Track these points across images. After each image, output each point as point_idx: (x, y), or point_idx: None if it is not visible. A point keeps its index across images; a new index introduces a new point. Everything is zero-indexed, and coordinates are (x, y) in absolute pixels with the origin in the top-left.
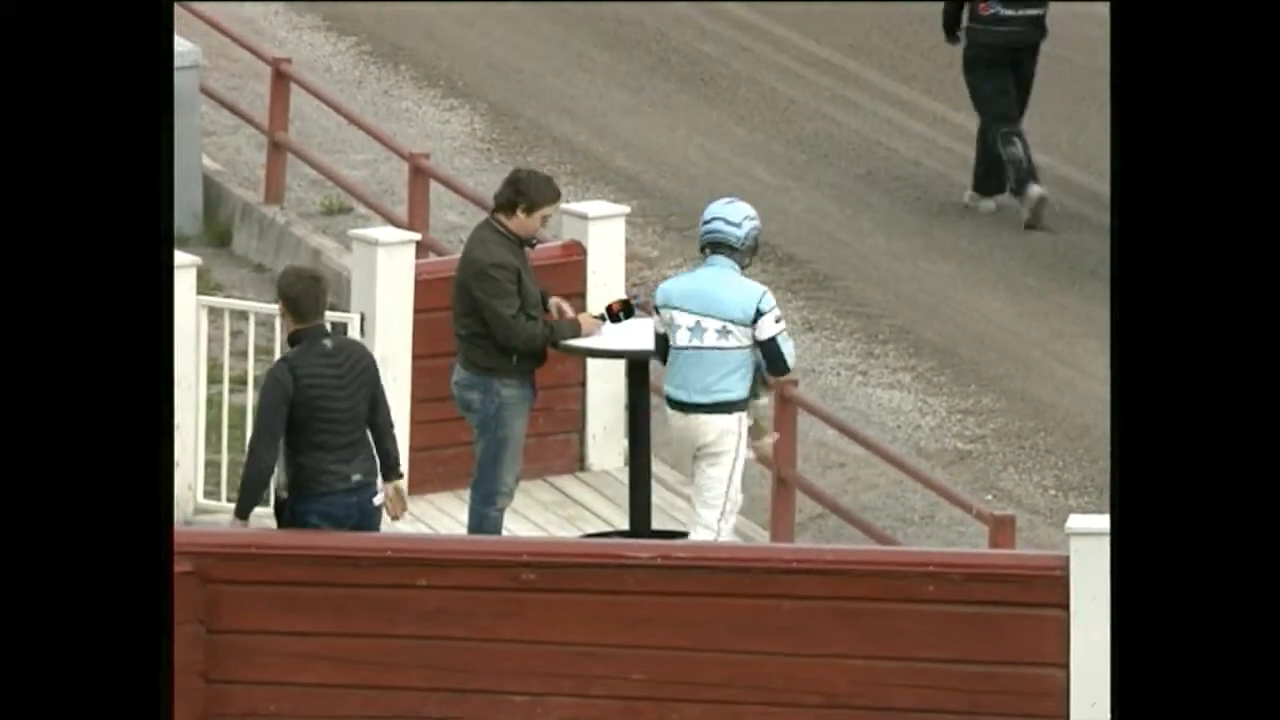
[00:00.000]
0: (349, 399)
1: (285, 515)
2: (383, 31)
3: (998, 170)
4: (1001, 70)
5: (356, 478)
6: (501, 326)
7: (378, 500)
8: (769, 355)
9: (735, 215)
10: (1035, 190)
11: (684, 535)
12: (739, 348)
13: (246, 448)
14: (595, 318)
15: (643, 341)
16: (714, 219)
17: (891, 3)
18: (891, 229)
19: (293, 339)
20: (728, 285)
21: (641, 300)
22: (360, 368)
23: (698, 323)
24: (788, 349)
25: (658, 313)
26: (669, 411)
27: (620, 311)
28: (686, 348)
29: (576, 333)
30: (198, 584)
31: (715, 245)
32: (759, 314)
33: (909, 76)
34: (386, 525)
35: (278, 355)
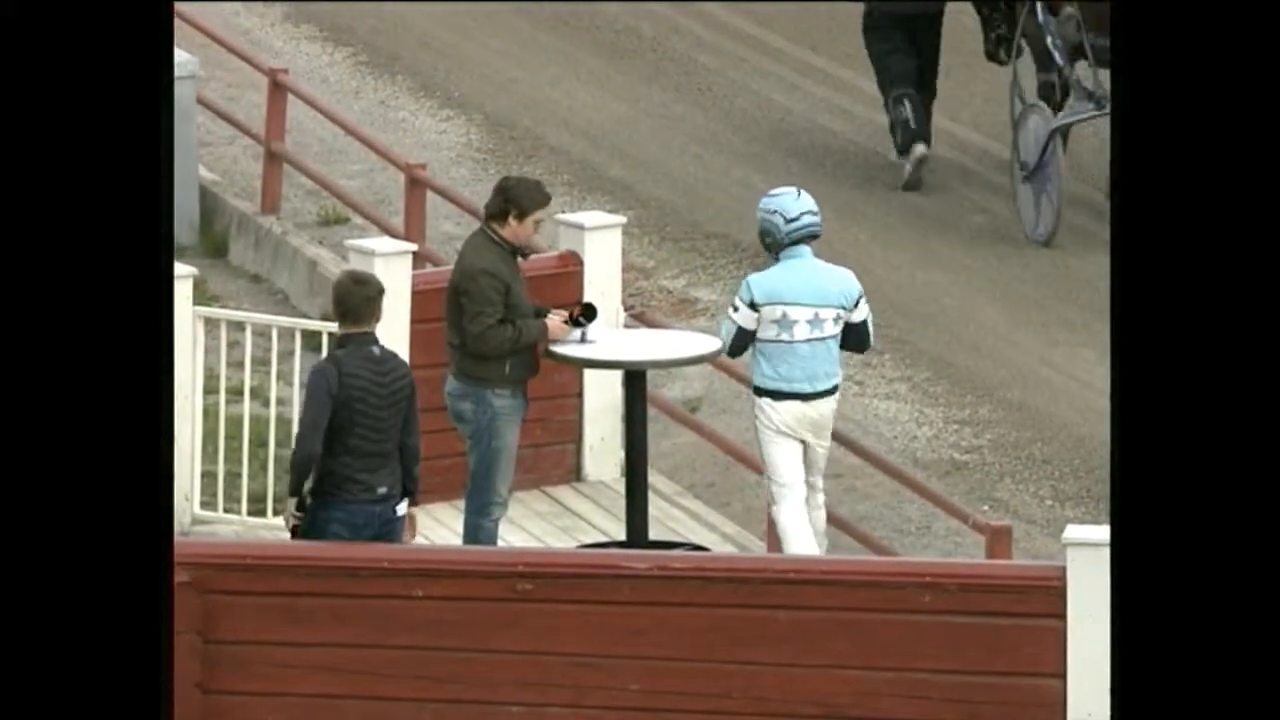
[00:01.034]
0: (387, 408)
1: (306, 521)
2: (379, 42)
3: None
4: (895, 34)
5: (382, 489)
6: (476, 331)
7: (401, 510)
8: (860, 335)
9: (814, 205)
10: (919, 149)
11: (680, 545)
12: (840, 332)
13: (294, 438)
14: (564, 322)
15: (638, 352)
16: (803, 214)
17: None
18: (888, 239)
19: (340, 343)
20: (829, 275)
21: (638, 309)
22: (402, 383)
23: (816, 315)
24: (871, 328)
25: (754, 309)
26: (780, 404)
27: (580, 316)
28: (809, 340)
29: (543, 334)
30: (195, 595)
31: (808, 239)
32: (860, 297)
33: None
34: None
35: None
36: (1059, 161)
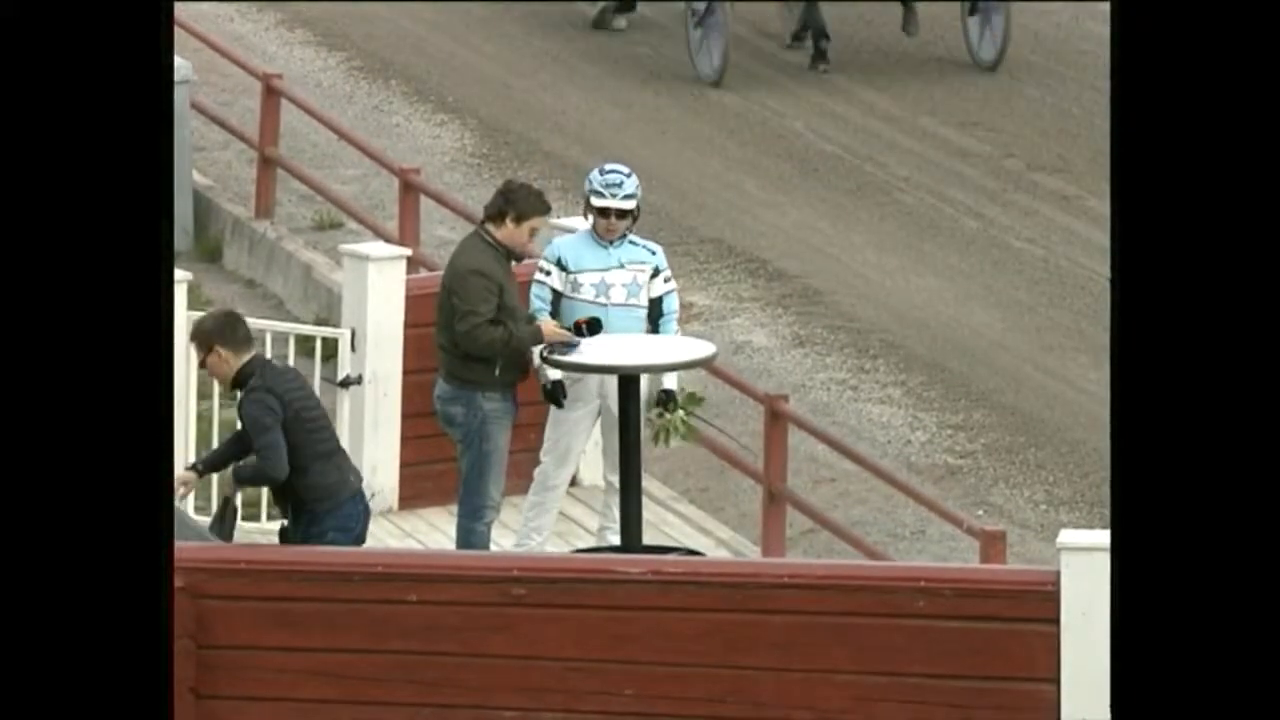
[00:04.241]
0: (317, 406)
1: (297, 540)
2: (373, 47)
3: None
4: None
5: (353, 479)
6: (465, 329)
7: (373, 504)
8: None
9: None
10: None
11: (674, 550)
12: None
13: (259, 467)
14: (566, 330)
15: (632, 357)
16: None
17: (878, 13)
18: (882, 244)
19: (241, 376)
20: None
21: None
22: (305, 381)
23: None
24: None
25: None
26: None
27: (585, 326)
28: None
29: (538, 339)
30: (188, 599)
31: None
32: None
33: (899, 93)
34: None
35: None
36: (725, 9)
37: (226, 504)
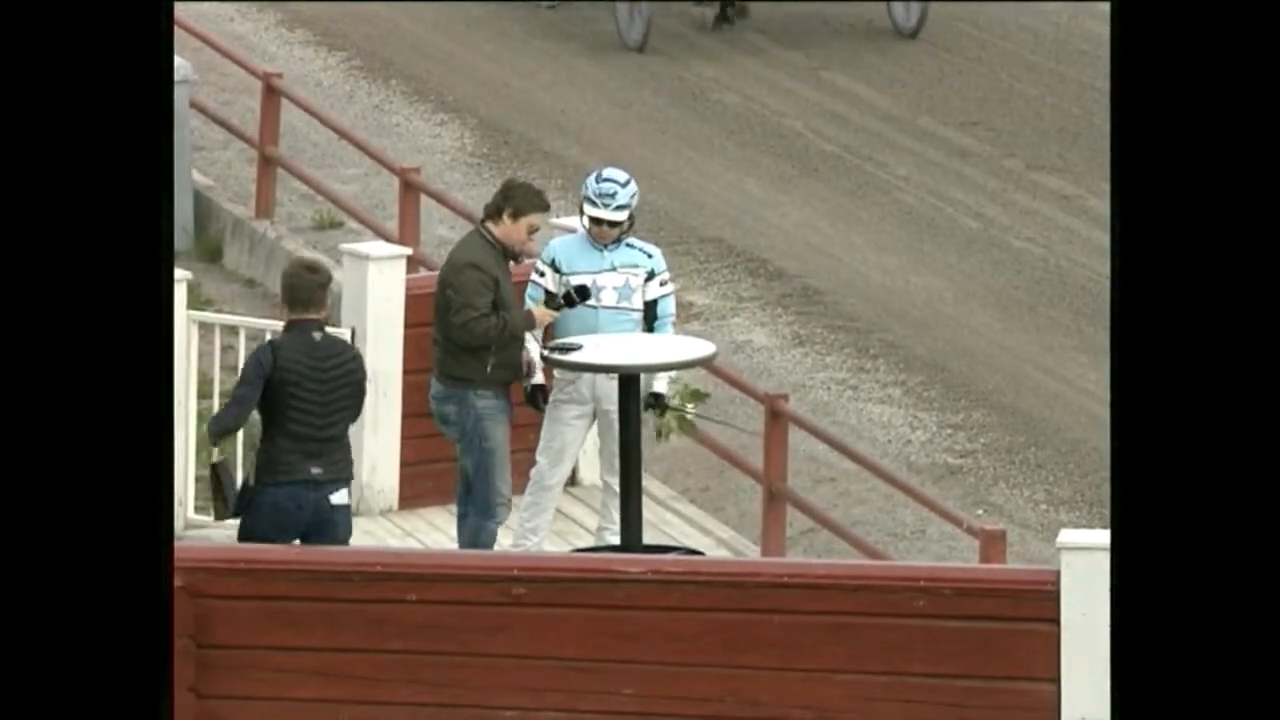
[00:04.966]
0: (327, 393)
1: (241, 504)
2: (373, 47)
3: None
4: None
5: (316, 470)
6: (460, 321)
7: (338, 499)
8: None
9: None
10: None
11: (674, 550)
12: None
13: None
14: (553, 308)
15: (633, 356)
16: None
17: (877, 11)
18: (882, 244)
19: (286, 328)
20: None
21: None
22: (346, 369)
23: None
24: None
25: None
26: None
27: (575, 292)
28: None
29: (531, 323)
30: (188, 599)
31: None
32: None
33: (899, 92)
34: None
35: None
36: None
37: (224, 469)
